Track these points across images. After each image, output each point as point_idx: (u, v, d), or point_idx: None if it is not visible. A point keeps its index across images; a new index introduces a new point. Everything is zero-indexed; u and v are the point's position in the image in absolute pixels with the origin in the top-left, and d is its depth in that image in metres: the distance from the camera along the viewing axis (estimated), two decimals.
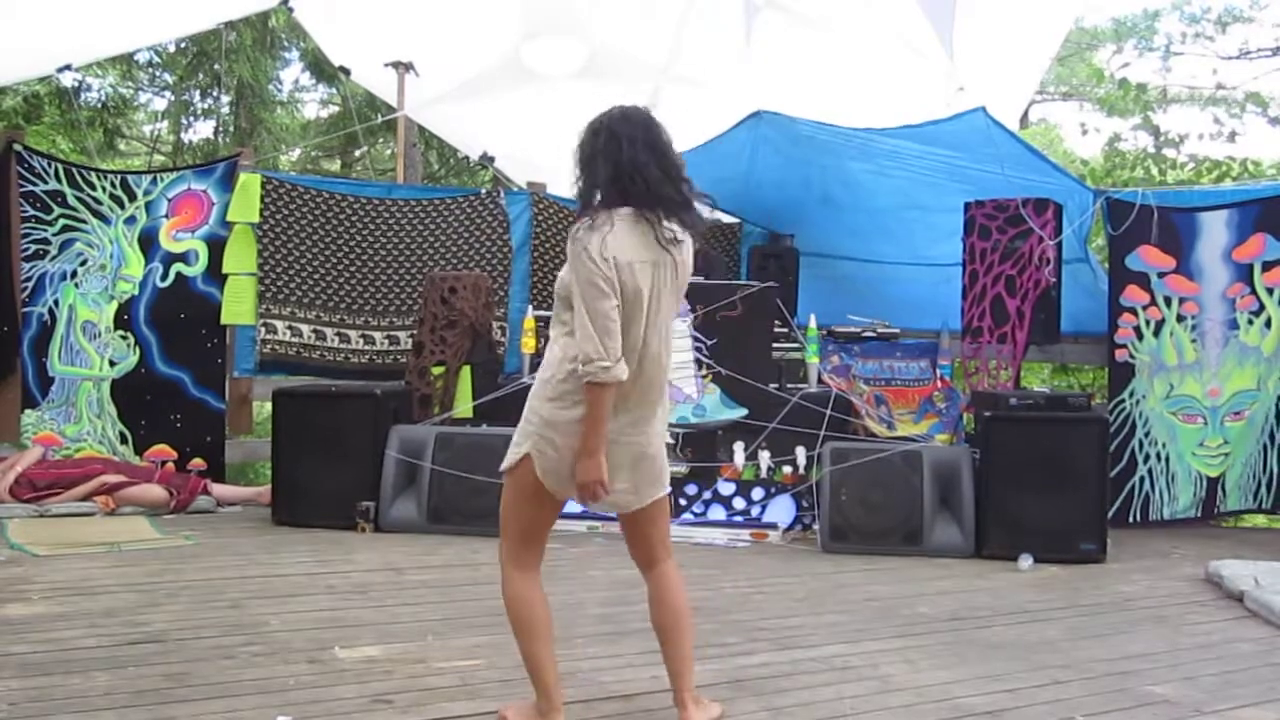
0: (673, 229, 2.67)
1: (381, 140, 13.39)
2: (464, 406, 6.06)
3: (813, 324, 6.17)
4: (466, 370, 6.17)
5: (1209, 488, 6.23)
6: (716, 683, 3.30)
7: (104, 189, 6.53)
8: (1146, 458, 6.24)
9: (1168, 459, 6.24)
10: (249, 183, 6.64)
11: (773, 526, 5.67)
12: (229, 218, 6.62)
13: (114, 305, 6.50)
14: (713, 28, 7.41)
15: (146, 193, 6.60)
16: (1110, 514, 5.56)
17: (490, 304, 6.50)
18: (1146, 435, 6.24)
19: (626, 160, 2.62)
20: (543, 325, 5.92)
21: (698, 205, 2.75)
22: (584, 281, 2.57)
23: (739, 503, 5.76)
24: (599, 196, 2.66)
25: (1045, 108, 18.71)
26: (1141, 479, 6.23)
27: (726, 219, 7.94)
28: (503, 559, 2.80)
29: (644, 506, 2.85)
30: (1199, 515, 6.24)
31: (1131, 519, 6.17)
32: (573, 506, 5.68)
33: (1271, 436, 6.25)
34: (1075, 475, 5.23)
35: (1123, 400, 6.25)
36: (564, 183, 7.81)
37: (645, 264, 2.63)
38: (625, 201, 2.63)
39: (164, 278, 6.56)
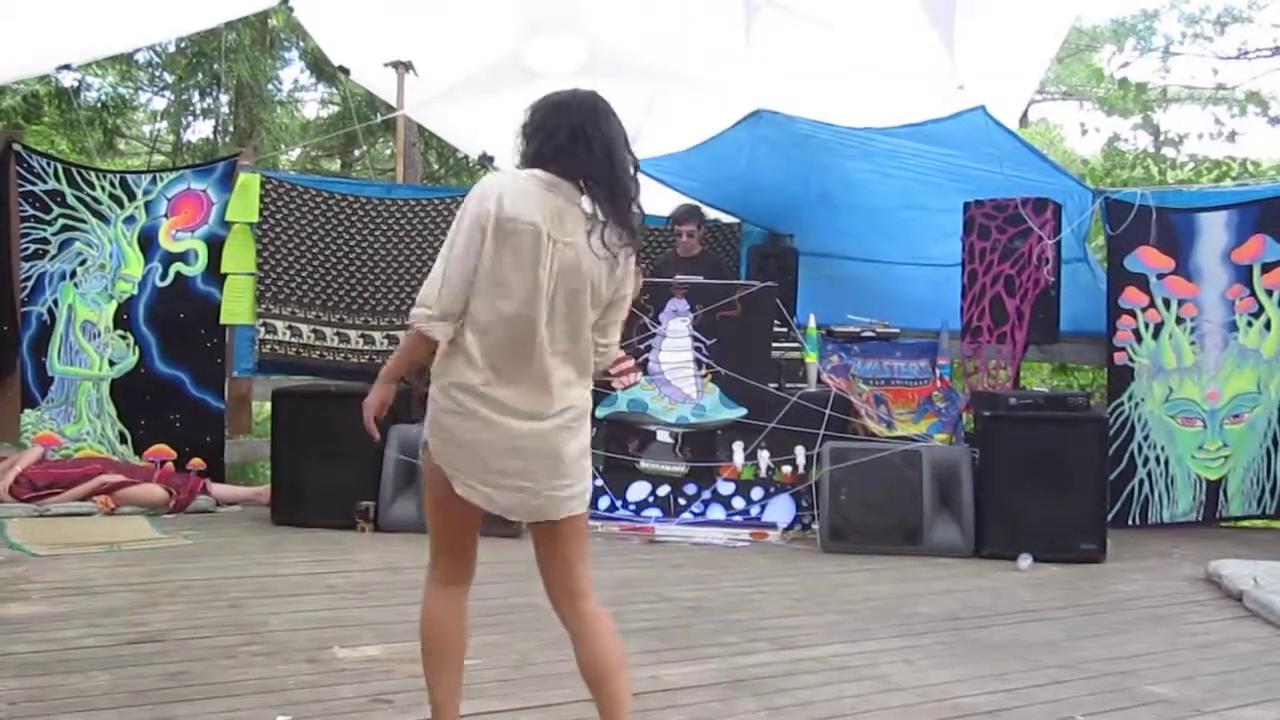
0: (603, 217, 2.43)
1: (381, 140, 13.39)
2: None
3: (812, 324, 6.17)
4: None
5: (1209, 491, 6.21)
6: (716, 682, 3.30)
7: (103, 189, 6.53)
8: (1146, 461, 6.23)
9: (1167, 462, 6.22)
10: (248, 182, 6.64)
11: (772, 526, 5.67)
12: (228, 217, 6.62)
13: (113, 305, 6.49)
14: (712, 26, 7.40)
15: (146, 192, 6.59)
16: (1110, 517, 5.56)
17: None
18: (1146, 438, 6.23)
19: (563, 133, 2.45)
20: None
21: (635, 208, 2.51)
22: (458, 217, 2.42)
23: (738, 502, 5.76)
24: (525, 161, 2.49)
25: (1045, 107, 18.73)
26: (1141, 481, 6.22)
27: (726, 219, 7.94)
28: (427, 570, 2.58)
29: (554, 523, 2.49)
30: (1200, 519, 6.21)
31: (1131, 522, 6.16)
32: None
33: (1275, 441, 6.21)
34: (1074, 475, 5.23)
35: (1121, 403, 6.23)
36: None
37: (541, 231, 2.37)
38: (550, 168, 2.45)
39: (163, 277, 6.56)
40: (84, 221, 6.48)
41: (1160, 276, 6.22)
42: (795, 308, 6.76)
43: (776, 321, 6.13)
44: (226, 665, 3.34)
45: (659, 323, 5.92)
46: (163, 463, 6.36)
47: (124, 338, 6.50)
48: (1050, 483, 5.22)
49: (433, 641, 2.56)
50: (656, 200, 7.03)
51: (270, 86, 12.85)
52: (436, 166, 13.60)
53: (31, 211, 6.40)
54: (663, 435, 5.84)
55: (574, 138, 2.45)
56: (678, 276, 6.10)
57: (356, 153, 13.91)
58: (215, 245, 6.61)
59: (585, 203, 2.44)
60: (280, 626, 3.78)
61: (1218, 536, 6.00)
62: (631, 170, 2.51)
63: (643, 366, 5.93)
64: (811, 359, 6.10)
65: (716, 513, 5.75)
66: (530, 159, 2.49)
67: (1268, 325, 6.12)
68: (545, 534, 2.52)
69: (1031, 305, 6.14)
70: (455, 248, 2.41)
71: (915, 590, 4.60)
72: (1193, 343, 6.20)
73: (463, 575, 2.59)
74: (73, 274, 6.45)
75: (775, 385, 5.88)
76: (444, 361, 2.47)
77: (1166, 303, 6.21)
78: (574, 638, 2.49)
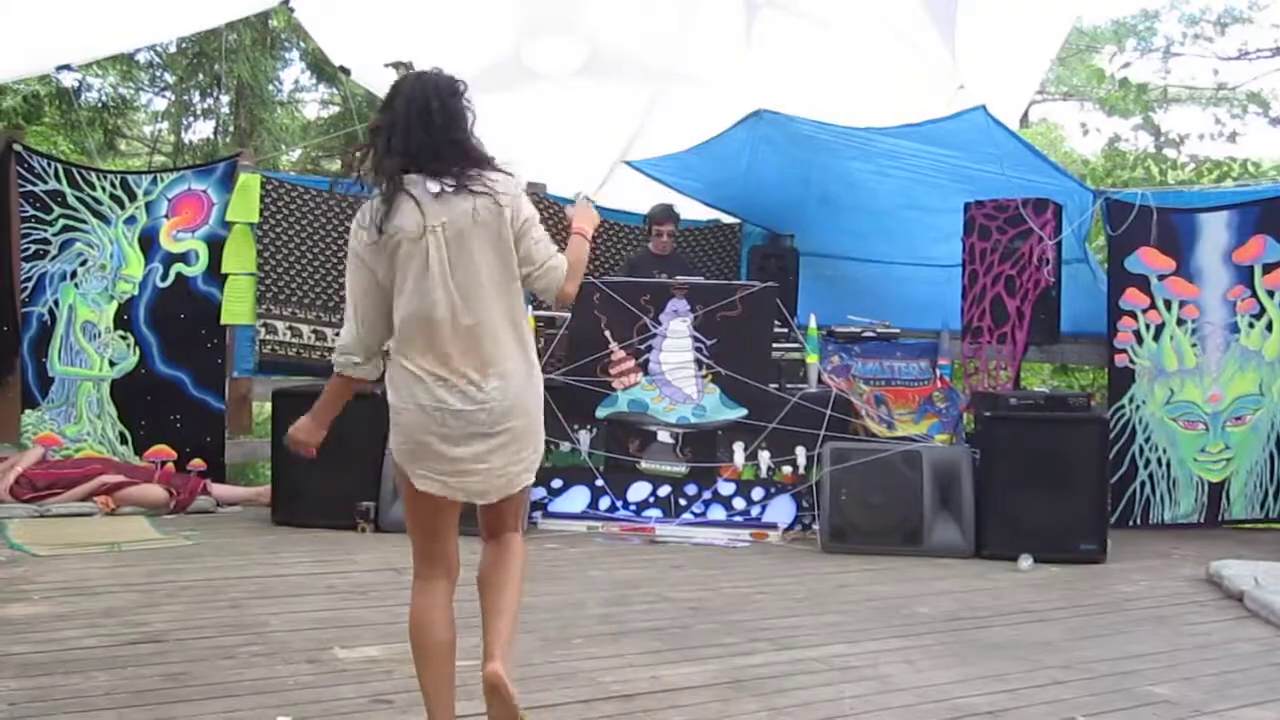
0: (441, 182, 2.50)
1: None
2: None
3: (813, 324, 6.17)
4: None
5: (1211, 493, 6.19)
6: (716, 682, 3.30)
7: (104, 189, 6.53)
8: (1147, 463, 6.21)
9: (1168, 465, 6.21)
10: (249, 183, 6.64)
11: (773, 526, 5.67)
12: (229, 218, 6.62)
13: (114, 305, 6.49)
14: (713, 26, 7.40)
15: (147, 193, 6.59)
16: (1111, 521, 5.55)
17: None
18: (1147, 441, 6.21)
19: (390, 127, 2.54)
20: (543, 325, 5.92)
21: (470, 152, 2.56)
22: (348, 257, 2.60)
23: (739, 503, 5.76)
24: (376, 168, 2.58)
25: (1046, 108, 18.71)
26: (1142, 484, 6.21)
27: (726, 219, 7.94)
28: None
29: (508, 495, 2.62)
30: (1201, 521, 6.18)
31: (1131, 524, 6.15)
32: (573, 506, 5.72)
33: (1279, 444, 6.19)
34: (1075, 475, 5.23)
35: (1122, 406, 6.22)
36: (564, 183, 7.81)
37: (410, 233, 2.49)
38: (390, 168, 2.54)
39: (164, 278, 6.56)
40: (85, 222, 6.48)
41: (1161, 277, 6.21)
42: (796, 308, 6.76)
43: (777, 322, 6.13)
44: (226, 666, 3.34)
45: (659, 323, 5.92)
46: (163, 463, 6.36)
47: (124, 338, 6.50)
48: (1051, 483, 5.21)
49: (418, 640, 2.58)
50: (649, 199, 7.06)
51: (271, 87, 12.84)
52: None
53: (32, 212, 6.40)
54: (663, 436, 5.83)
55: (384, 139, 2.55)
56: (678, 277, 6.10)
57: (357, 153, 13.87)
58: (216, 246, 6.61)
59: (428, 184, 2.50)
60: (280, 627, 3.78)
61: (1218, 537, 5.99)
62: (445, 110, 2.54)
63: (643, 367, 5.93)
64: (812, 359, 6.09)
65: (717, 513, 5.74)
66: (375, 172, 2.58)
67: (1269, 326, 6.11)
68: (490, 505, 2.63)
69: (1032, 306, 6.14)
70: (354, 291, 2.55)
71: (916, 591, 4.60)
72: (1194, 344, 6.18)
73: (443, 573, 2.62)
74: (73, 274, 6.45)
75: (776, 386, 5.88)
76: (388, 372, 2.59)
77: (1167, 304, 6.20)
78: (484, 555, 2.69)
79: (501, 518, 2.69)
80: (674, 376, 5.90)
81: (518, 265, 2.57)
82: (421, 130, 2.51)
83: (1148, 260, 6.22)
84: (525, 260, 2.58)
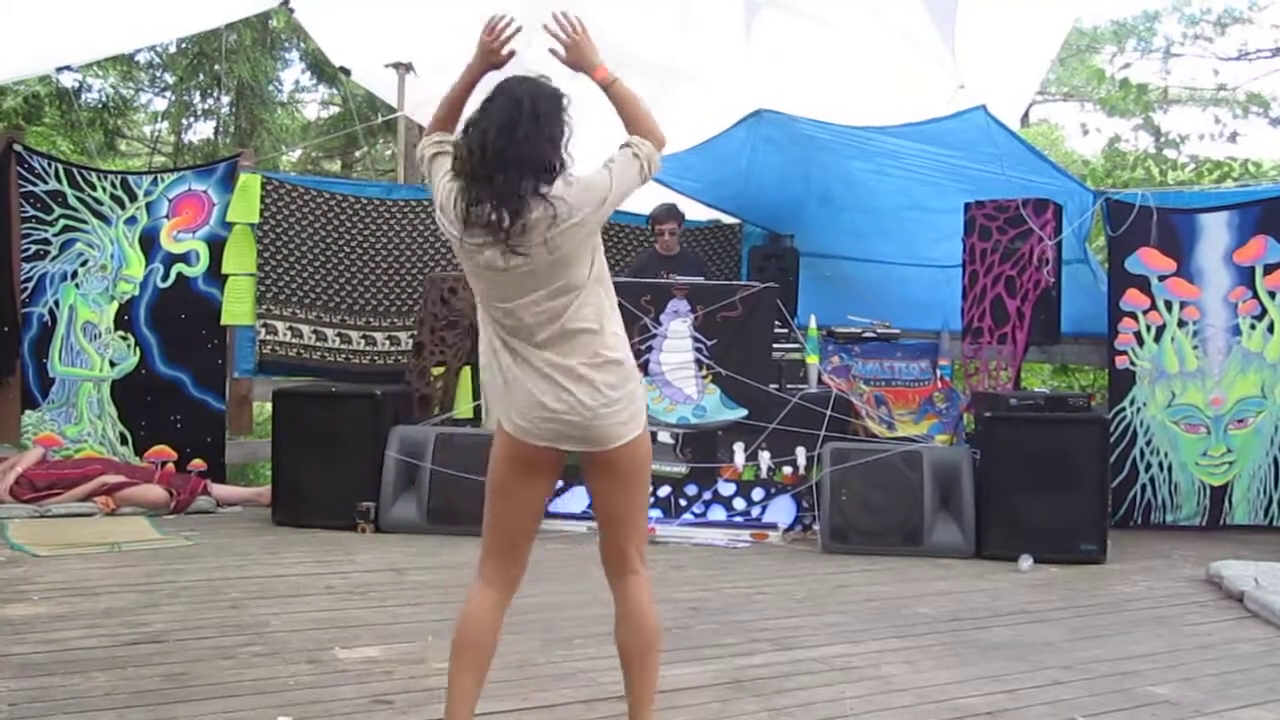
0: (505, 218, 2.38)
1: (382, 140, 13.39)
2: (464, 407, 6.05)
3: (813, 324, 6.17)
4: (466, 371, 6.16)
5: (1213, 497, 6.14)
6: (716, 683, 3.30)
7: (104, 189, 6.53)
8: (1148, 466, 6.18)
9: (1170, 468, 6.17)
10: (249, 183, 6.64)
11: (773, 527, 5.67)
12: (229, 218, 6.61)
13: (114, 306, 6.49)
14: (713, 25, 7.40)
15: (147, 193, 6.59)
16: (1113, 524, 5.54)
17: None
18: (1148, 444, 6.18)
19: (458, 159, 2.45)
20: None
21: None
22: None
23: (739, 503, 5.76)
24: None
25: (1046, 108, 18.71)
26: (1143, 487, 6.18)
27: (726, 219, 7.94)
28: None
29: (605, 453, 2.50)
30: (1203, 525, 6.13)
31: (1132, 526, 6.12)
32: (573, 506, 5.72)
33: None
34: (1075, 476, 5.22)
35: (1123, 408, 6.19)
36: None
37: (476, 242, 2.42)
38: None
39: (165, 278, 6.56)
40: (85, 222, 6.48)
41: (1162, 278, 6.18)
42: (796, 308, 6.76)
43: (777, 322, 6.13)
44: (227, 666, 3.34)
45: (659, 323, 5.92)
46: (164, 464, 6.36)
47: (125, 339, 6.50)
48: (1051, 484, 5.21)
49: (461, 639, 2.53)
50: (651, 199, 7.06)
51: (271, 87, 12.86)
52: None
53: (32, 212, 6.40)
54: (664, 436, 5.83)
55: (465, 160, 2.43)
56: (675, 277, 6.10)
57: (357, 154, 13.91)
58: (217, 246, 6.61)
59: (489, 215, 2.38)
60: (280, 627, 3.78)
61: (1218, 538, 5.98)
62: (529, 136, 2.41)
63: (643, 367, 5.93)
64: (812, 360, 6.10)
65: (717, 514, 5.74)
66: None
67: (1270, 328, 6.08)
68: (596, 488, 2.60)
69: (1032, 306, 6.14)
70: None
71: (916, 591, 4.60)
72: (1195, 346, 6.15)
73: (506, 580, 2.59)
74: (74, 275, 6.45)
75: (776, 386, 5.88)
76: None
77: (1168, 305, 6.17)
78: (616, 611, 2.64)
79: (620, 530, 2.58)
80: (674, 377, 5.90)
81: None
82: (511, 132, 2.40)
83: (1148, 261, 6.20)
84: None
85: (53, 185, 6.44)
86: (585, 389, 2.44)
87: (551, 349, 2.46)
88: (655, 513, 5.72)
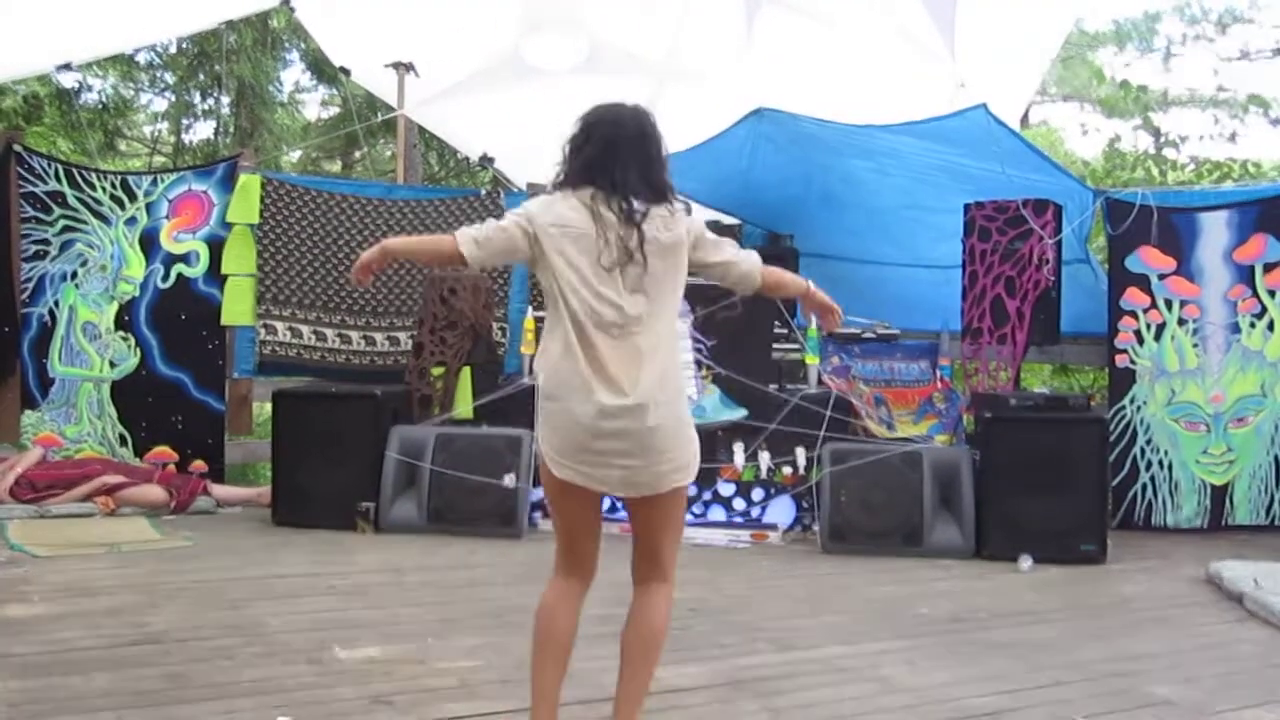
0: (633, 204, 2.66)
1: (381, 140, 13.38)
2: (464, 407, 6.05)
3: (813, 325, 6.17)
4: (466, 371, 6.16)
5: (1214, 496, 6.13)
6: (716, 683, 3.30)
7: (104, 190, 6.53)
8: (1149, 465, 6.17)
9: (1170, 467, 6.16)
10: (249, 183, 6.64)
11: (773, 527, 5.67)
12: (229, 218, 6.61)
13: (115, 306, 6.49)
14: (713, 24, 7.40)
15: (147, 194, 6.59)
16: (1114, 525, 5.53)
17: (490, 305, 6.50)
18: (1148, 442, 6.17)
19: (591, 157, 2.71)
20: (542, 326, 5.90)
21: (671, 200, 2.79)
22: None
23: (739, 503, 5.76)
24: (562, 177, 2.74)
25: (1046, 109, 18.69)
26: (1144, 486, 6.17)
27: (726, 219, 7.93)
28: None
29: (652, 497, 2.69)
30: (1205, 526, 6.10)
31: (1133, 527, 6.10)
32: None
33: None
34: (1075, 476, 5.22)
35: (1123, 407, 6.19)
36: None
37: (573, 230, 2.64)
38: (581, 184, 2.68)
39: (165, 279, 6.56)
40: (85, 223, 6.48)
41: (1162, 277, 6.18)
42: (796, 308, 6.75)
43: (777, 322, 6.12)
44: (226, 666, 3.34)
45: None
46: (164, 465, 6.36)
47: (125, 339, 6.50)
48: (1051, 484, 5.21)
49: (539, 630, 2.64)
50: None
51: (271, 87, 12.84)
52: (437, 167, 13.60)
53: (32, 212, 6.40)
54: None
55: (598, 148, 2.75)
56: None
57: (357, 154, 13.90)
58: (217, 246, 6.61)
59: (613, 203, 2.66)
60: (280, 627, 3.78)
61: (1219, 538, 5.97)
62: (642, 164, 2.78)
63: None
64: (812, 360, 6.09)
65: (717, 514, 5.74)
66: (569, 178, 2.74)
67: (1270, 326, 6.08)
68: (636, 510, 2.74)
69: (1032, 306, 6.14)
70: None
71: (916, 591, 4.59)
72: (1195, 345, 6.16)
73: (578, 573, 2.75)
74: (74, 275, 6.45)
75: (776, 386, 5.88)
76: (539, 359, 2.72)
77: (1168, 303, 6.18)
78: (631, 605, 2.76)
79: (659, 541, 2.77)
80: None
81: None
82: (624, 170, 2.73)
83: (1148, 260, 6.20)
84: (712, 272, 2.85)
85: (53, 185, 6.44)
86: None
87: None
88: None
